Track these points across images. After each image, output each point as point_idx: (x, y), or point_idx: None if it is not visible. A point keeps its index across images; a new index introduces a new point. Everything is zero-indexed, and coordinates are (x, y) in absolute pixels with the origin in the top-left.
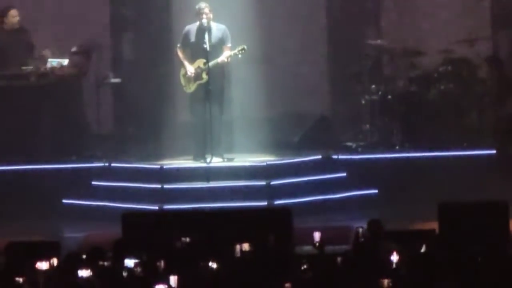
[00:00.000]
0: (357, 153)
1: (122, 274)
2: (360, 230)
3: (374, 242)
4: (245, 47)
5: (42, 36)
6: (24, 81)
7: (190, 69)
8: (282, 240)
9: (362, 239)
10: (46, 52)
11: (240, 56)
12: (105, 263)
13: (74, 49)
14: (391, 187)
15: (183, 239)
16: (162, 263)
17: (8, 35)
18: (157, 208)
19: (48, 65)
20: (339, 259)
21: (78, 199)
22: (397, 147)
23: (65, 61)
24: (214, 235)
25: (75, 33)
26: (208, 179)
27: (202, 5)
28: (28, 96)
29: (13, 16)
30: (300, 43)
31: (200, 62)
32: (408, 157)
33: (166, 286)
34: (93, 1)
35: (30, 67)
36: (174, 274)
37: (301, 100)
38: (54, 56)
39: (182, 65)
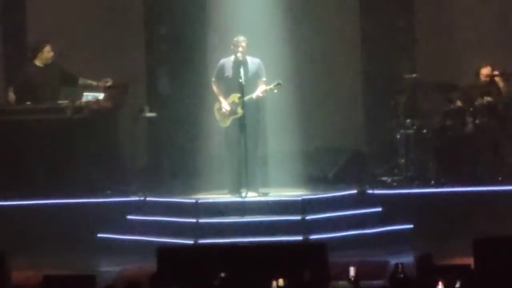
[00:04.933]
0: (392, 187)
1: None
2: (400, 265)
3: (422, 277)
4: (281, 82)
5: (78, 70)
6: (59, 115)
7: (225, 106)
8: (317, 275)
9: (401, 275)
10: (82, 81)
11: (276, 91)
12: None
13: (109, 83)
14: (426, 222)
15: (218, 274)
16: None
17: (42, 70)
18: (192, 242)
19: (84, 99)
20: None
21: (113, 233)
22: (432, 182)
23: (101, 95)
24: (249, 270)
25: (111, 67)
26: (243, 214)
27: (240, 38)
28: (63, 130)
29: (48, 51)
30: (334, 77)
31: (235, 97)
32: (443, 192)
33: None
34: (129, 35)
35: (66, 101)
36: None
37: (336, 135)
38: (89, 90)
39: (217, 99)
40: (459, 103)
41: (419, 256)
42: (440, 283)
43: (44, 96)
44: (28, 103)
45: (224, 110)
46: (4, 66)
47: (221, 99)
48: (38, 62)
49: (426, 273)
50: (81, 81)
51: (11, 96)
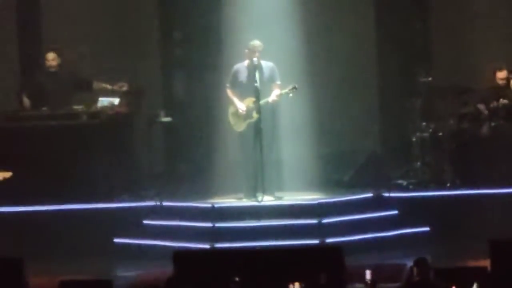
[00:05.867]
0: (408, 190)
1: None
2: (415, 268)
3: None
4: (296, 86)
5: (93, 74)
6: (75, 120)
7: (242, 106)
8: (333, 279)
9: (417, 278)
10: (97, 85)
11: (291, 95)
12: None
13: (125, 88)
14: (443, 225)
15: (234, 278)
16: None
17: (53, 76)
18: (208, 246)
19: (99, 104)
20: None
21: (130, 238)
22: (448, 185)
23: (116, 100)
24: (265, 274)
25: (126, 72)
26: (259, 218)
27: (256, 43)
28: (79, 135)
29: (50, 59)
30: (350, 80)
31: (250, 101)
32: (459, 195)
33: None
34: (144, 40)
35: (81, 107)
36: None
37: (351, 138)
38: (105, 95)
39: (232, 103)
40: (475, 106)
41: (415, 260)
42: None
43: (56, 102)
44: (44, 108)
45: (241, 111)
46: (20, 72)
47: (237, 101)
48: (49, 68)
49: (425, 277)
50: (96, 85)
51: (26, 101)
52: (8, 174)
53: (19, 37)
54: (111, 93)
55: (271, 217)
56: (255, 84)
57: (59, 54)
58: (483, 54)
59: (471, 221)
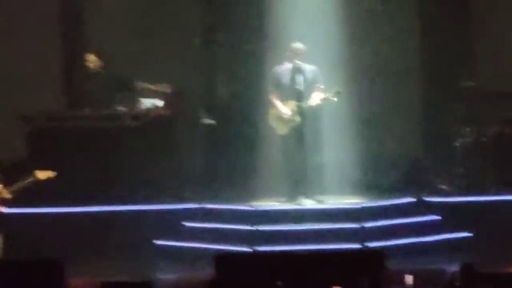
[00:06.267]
0: (451, 195)
1: None
2: (457, 275)
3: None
4: (340, 90)
5: (136, 75)
6: (118, 122)
7: (286, 110)
8: (375, 283)
9: (458, 283)
10: (140, 84)
11: (335, 99)
12: None
13: (168, 89)
14: (485, 230)
15: (275, 281)
16: None
17: (95, 77)
18: (249, 250)
19: (142, 106)
20: None
21: (171, 240)
22: (491, 190)
23: (159, 102)
24: (306, 278)
25: (169, 74)
26: (300, 221)
27: (299, 45)
28: (121, 137)
29: (90, 61)
30: (392, 85)
31: (292, 104)
32: (502, 200)
33: None
34: (187, 42)
35: (124, 108)
36: None
37: (394, 142)
38: (148, 97)
39: (274, 106)
40: None
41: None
42: None
43: (98, 102)
44: (86, 109)
45: (285, 115)
46: (61, 72)
47: (280, 105)
48: (93, 70)
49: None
50: (139, 85)
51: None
52: (50, 174)
53: (61, 37)
54: (154, 95)
55: (312, 221)
56: (298, 88)
57: (100, 55)
58: None
59: None
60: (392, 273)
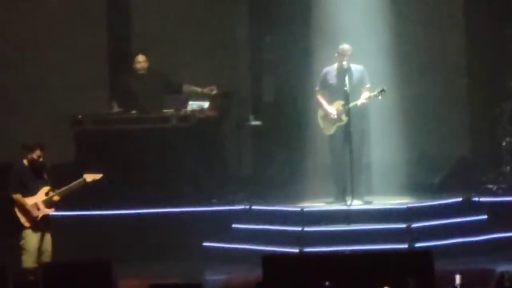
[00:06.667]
0: (498, 195)
1: None
2: (506, 275)
3: None
4: (385, 88)
5: (183, 78)
6: (164, 124)
7: (333, 111)
8: (422, 284)
9: (508, 284)
10: (187, 87)
11: (380, 97)
12: None
13: (214, 91)
14: None
15: (323, 282)
16: None
17: (142, 79)
18: (297, 250)
19: (189, 107)
20: None
21: (219, 242)
22: None
23: (206, 104)
24: (354, 279)
25: (216, 75)
26: (348, 222)
27: (346, 47)
28: (169, 139)
29: (139, 61)
30: (439, 84)
31: (339, 104)
32: None
33: None
34: (234, 44)
35: (171, 110)
36: None
37: (441, 142)
38: (195, 99)
39: (321, 107)
40: None
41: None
42: None
43: (146, 105)
44: (133, 112)
45: (332, 116)
46: (110, 76)
47: (327, 106)
48: (140, 72)
49: None
50: (186, 87)
51: (115, 107)
52: (98, 176)
53: (108, 40)
54: (201, 97)
55: (360, 221)
56: (345, 88)
57: (149, 57)
58: None
59: None
60: (440, 273)
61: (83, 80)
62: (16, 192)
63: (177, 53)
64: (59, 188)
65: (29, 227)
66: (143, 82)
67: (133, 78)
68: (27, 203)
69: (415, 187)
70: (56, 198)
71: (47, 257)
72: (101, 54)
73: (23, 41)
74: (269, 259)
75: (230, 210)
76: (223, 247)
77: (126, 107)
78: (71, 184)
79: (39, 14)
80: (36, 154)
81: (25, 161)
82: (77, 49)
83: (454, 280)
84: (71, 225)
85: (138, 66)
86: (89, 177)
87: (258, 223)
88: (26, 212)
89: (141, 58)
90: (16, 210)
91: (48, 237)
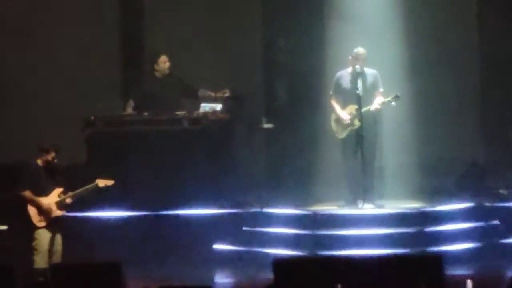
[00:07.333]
0: (510, 200)
1: None
2: None
3: None
4: (398, 94)
5: (196, 80)
6: (177, 126)
7: (345, 116)
8: None
9: None
10: (202, 92)
11: (393, 104)
12: None
13: (227, 94)
14: None
15: (335, 286)
16: None
17: (159, 81)
18: (308, 254)
19: (201, 110)
20: None
21: (230, 244)
22: None
23: (218, 106)
24: (365, 283)
25: (228, 78)
26: (360, 226)
27: (361, 50)
28: (181, 141)
29: (163, 62)
30: (452, 88)
31: (352, 108)
32: None
33: None
34: (247, 46)
35: (183, 112)
36: None
37: (453, 146)
38: (207, 101)
39: (334, 111)
40: None
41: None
42: None
43: (164, 107)
44: (146, 113)
45: (345, 121)
46: (122, 78)
47: (340, 111)
48: (157, 74)
49: None
50: (201, 92)
51: (129, 109)
52: (110, 182)
53: (122, 44)
54: (214, 99)
55: (371, 225)
56: (357, 92)
57: (170, 58)
58: None
59: None
60: (451, 278)
61: (95, 81)
62: (26, 190)
63: (191, 56)
64: (71, 190)
65: (42, 227)
66: (163, 84)
67: (153, 80)
68: (43, 203)
69: (428, 192)
70: (68, 200)
71: (57, 258)
72: (114, 55)
73: (36, 40)
74: (280, 263)
75: (242, 212)
76: (233, 250)
77: (146, 109)
78: (84, 188)
79: (53, 12)
80: (51, 156)
81: (39, 161)
82: (89, 49)
83: (465, 285)
84: (81, 226)
85: (162, 66)
86: (101, 182)
87: (269, 226)
88: (41, 212)
89: (164, 58)
90: (29, 209)
91: (58, 238)
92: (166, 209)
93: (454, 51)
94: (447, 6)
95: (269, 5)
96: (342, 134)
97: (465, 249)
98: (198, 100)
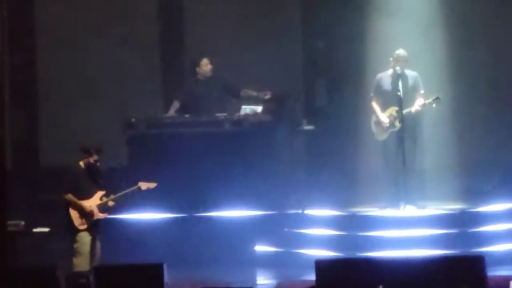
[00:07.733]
0: None
1: None
2: None
3: None
4: (440, 97)
5: (237, 82)
6: (217, 128)
7: (385, 120)
8: None
9: None
10: (244, 92)
11: (434, 105)
12: None
13: (268, 96)
14: None
15: (376, 287)
16: None
17: (202, 84)
18: (350, 255)
19: (242, 112)
20: None
21: (271, 246)
22: None
23: (259, 108)
24: (407, 284)
25: (269, 80)
26: (401, 227)
27: (401, 52)
28: (222, 143)
29: (205, 64)
30: (492, 92)
31: (393, 110)
32: None
33: None
34: (288, 48)
35: (224, 114)
36: None
37: (494, 147)
38: (248, 103)
39: (374, 113)
40: None
41: None
42: None
43: (208, 109)
44: (187, 115)
45: (384, 125)
46: (163, 81)
47: (380, 114)
48: (199, 76)
49: None
50: (243, 92)
51: (172, 111)
52: (153, 185)
53: (163, 47)
54: (254, 101)
55: (413, 227)
56: (398, 94)
57: (212, 60)
58: None
59: None
60: (493, 280)
61: (136, 82)
62: (68, 193)
63: (231, 57)
64: (113, 193)
65: (84, 230)
66: (206, 86)
67: (195, 82)
68: (85, 206)
69: (469, 192)
70: (110, 203)
71: (96, 260)
72: (154, 61)
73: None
74: (322, 264)
75: (283, 214)
76: (275, 251)
77: (189, 111)
78: (126, 191)
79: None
80: (93, 158)
81: (81, 163)
82: (132, 52)
83: (508, 286)
84: (123, 228)
85: (204, 69)
86: (143, 185)
87: (311, 228)
88: (82, 214)
89: (206, 61)
90: (71, 212)
91: (98, 241)
92: (207, 210)
93: (494, 55)
94: (497, 7)
95: (308, 6)
96: (383, 136)
97: (508, 250)
98: (241, 100)
